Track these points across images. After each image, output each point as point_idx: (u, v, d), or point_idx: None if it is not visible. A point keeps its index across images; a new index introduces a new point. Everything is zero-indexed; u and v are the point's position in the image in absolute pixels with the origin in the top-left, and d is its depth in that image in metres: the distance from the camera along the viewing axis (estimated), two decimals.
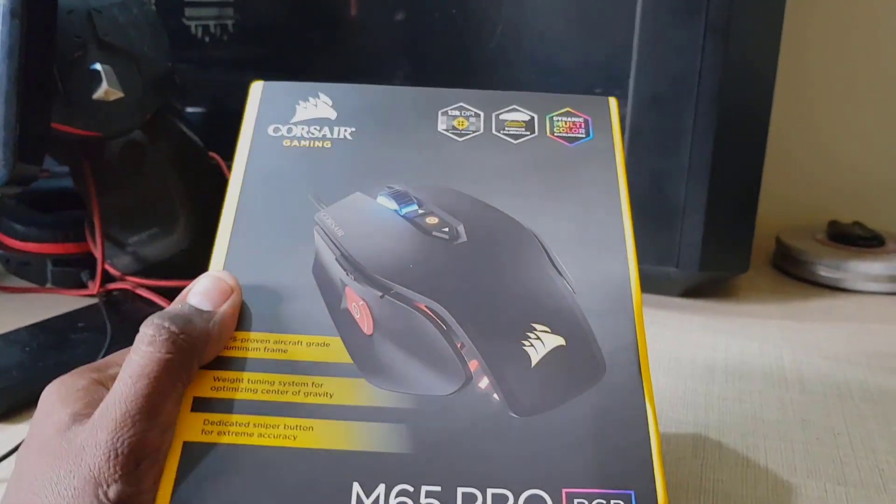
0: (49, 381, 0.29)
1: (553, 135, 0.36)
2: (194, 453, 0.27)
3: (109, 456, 0.25)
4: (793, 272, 0.74)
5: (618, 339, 0.30)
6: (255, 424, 0.28)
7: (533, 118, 0.36)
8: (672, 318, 0.63)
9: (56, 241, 0.64)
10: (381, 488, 0.27)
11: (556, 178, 0.34)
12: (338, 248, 0.32)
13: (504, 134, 0.36)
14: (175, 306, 0.29)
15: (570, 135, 0.36)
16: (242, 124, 0.36)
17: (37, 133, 0.49)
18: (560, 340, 0.30)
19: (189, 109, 0.66)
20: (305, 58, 0.74)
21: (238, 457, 0.27)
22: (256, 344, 0.30)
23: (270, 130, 0.36)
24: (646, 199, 0.62)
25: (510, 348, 0.30)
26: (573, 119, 0.36)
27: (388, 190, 0.34)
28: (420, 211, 0.33)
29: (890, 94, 0.84)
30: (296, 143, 0.36)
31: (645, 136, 0.61)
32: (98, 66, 0.52)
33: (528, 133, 0.36)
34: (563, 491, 0.27)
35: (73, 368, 0.30)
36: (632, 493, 0.27)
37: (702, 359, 0.55)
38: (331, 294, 0.31)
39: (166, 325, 0.27)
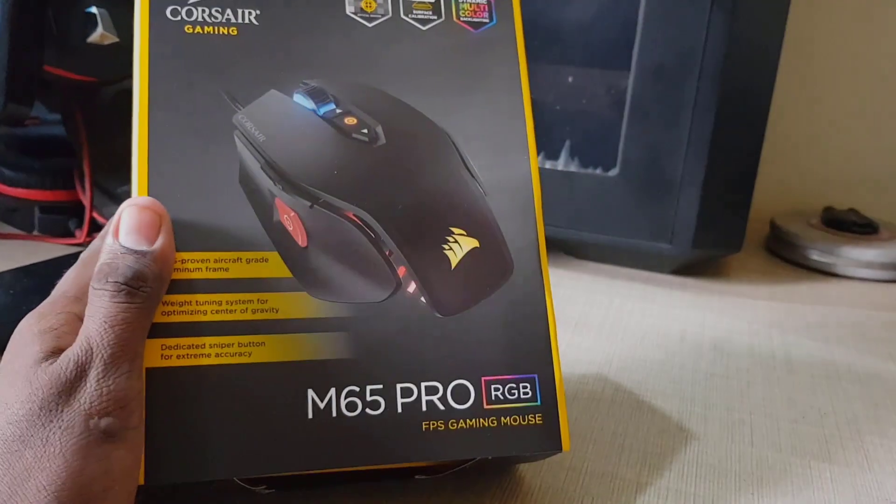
0: None
1: (459, 19, 0.36)
2: (159, 379, 0.28)
3: (102, 393, 0.26)
4: (785, 255, 0.74)
5: (523, 239, 0.34)
6: (210, 345, 0.29)
7: (439, 0, 0.36)
8: (662, 294, 0.63)
9: (45, 188, 0.63)
10: (332, 392, 0.30)
11: (464, 70, 0.35)
12: (262, 156, 0.32)
13: (412, 18, 0.36)
14: (116, 256, 0.28)
15: (474, 19, 0.36)
16: (135, 10, 0.33)
17: (29, 73, 0.48)
18: (475, 242, 0.33)
19: None
20: None
21: (200, 378, 0.29)
22: (198, 264, 0.30)
23: (168, 13, 0.33)
24: (643, 173, 0.62)
25: (432, 253, 0.33)
26: (477, 1, 0.36)
27: (303, 86, 0.34)
28: (338, 111, 0.34)
29: (891, 84, 0.83)
30: (198, 28, 0.33)
31: (646, 109, 0.60)
32: (94, 10, 0.51)
33: (436, 17, 0.36)
34: (483, 379, 0.32)
35: None
36: (535, 376, 0.32)
37: (690, 335, 0.55)
38: (261, 205, 0.32)
39: (121, 282, 0.27)
